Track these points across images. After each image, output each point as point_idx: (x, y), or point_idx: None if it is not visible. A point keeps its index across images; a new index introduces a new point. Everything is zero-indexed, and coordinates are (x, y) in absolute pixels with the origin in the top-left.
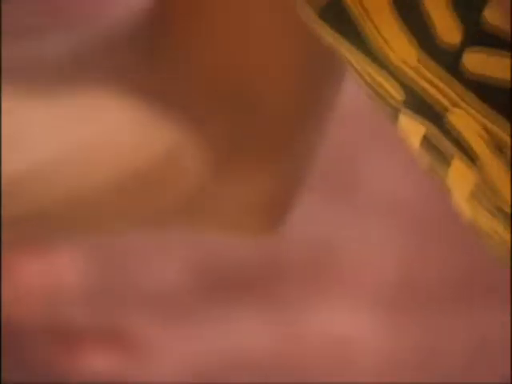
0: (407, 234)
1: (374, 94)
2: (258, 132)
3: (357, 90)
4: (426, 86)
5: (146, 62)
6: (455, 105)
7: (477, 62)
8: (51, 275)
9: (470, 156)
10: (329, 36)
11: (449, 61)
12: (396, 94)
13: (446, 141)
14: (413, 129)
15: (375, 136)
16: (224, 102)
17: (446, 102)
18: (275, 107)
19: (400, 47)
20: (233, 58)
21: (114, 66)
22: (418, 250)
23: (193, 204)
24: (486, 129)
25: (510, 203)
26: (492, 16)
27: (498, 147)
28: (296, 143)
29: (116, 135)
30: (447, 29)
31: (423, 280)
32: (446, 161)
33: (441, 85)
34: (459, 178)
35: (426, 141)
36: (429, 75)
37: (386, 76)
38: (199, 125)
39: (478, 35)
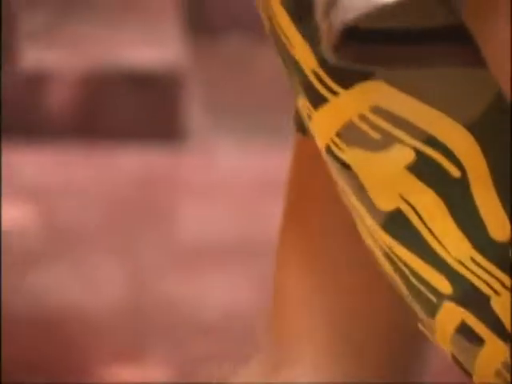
0: None
1: (409, 292)
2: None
3: None
4: (475, 279)
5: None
6: (498, 293)
7: None
8: None
9: (506, 335)
10: (387, 243)
11: (498, 256)
12: (442, 288)
13: (482, 326)
14: (451, 318)
15: None
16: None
17: (489, 292)
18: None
19: (454, 247)
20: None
21: None
22: None
23: None
24: None
25: None
26: None
27: None
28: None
29: None
30: (499, 227)
31: None
32: (479, 344)
33: (488, 277)
34: (488, 360)
35: (463, 327)
36: (478, 270)
37: (435, 273)
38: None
39: None
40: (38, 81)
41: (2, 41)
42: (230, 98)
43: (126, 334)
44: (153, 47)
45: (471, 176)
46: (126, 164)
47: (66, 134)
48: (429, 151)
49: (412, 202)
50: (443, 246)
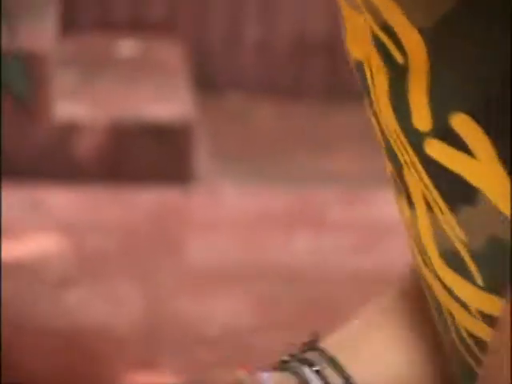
0: None
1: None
2: None
3: None
4: (395, 146)
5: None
6: (410, 167)
7: (435, 149)
8: None
9: (411, 201)
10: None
11: (415, 141)
12: (379, 138)
13: (399, 182)
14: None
15: None
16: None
17: (404, 162)
18: None
19: (384, 117)
20: None
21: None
22: None
23: None
24: (424, 193)
25: (423, 250)
26: (457, 121)
27: (431, 207)
28: None
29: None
30: (420, 118)
31: None
32: (399, 192)
33: (403, 150)
34: (403, 208)
35: (391, 174)
36: (399, 141)
37: (377, 127)
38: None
39: (443, 131)
40: (69, 131)
41: (37, 97)
42: (232, 146)
43: (142, 345)
44: (166, 103)
45: (412, 71)
46: (145, 202)
47: (93, 178)
48: (383, 36)
49: (372, 65)
50: (380, 111)
